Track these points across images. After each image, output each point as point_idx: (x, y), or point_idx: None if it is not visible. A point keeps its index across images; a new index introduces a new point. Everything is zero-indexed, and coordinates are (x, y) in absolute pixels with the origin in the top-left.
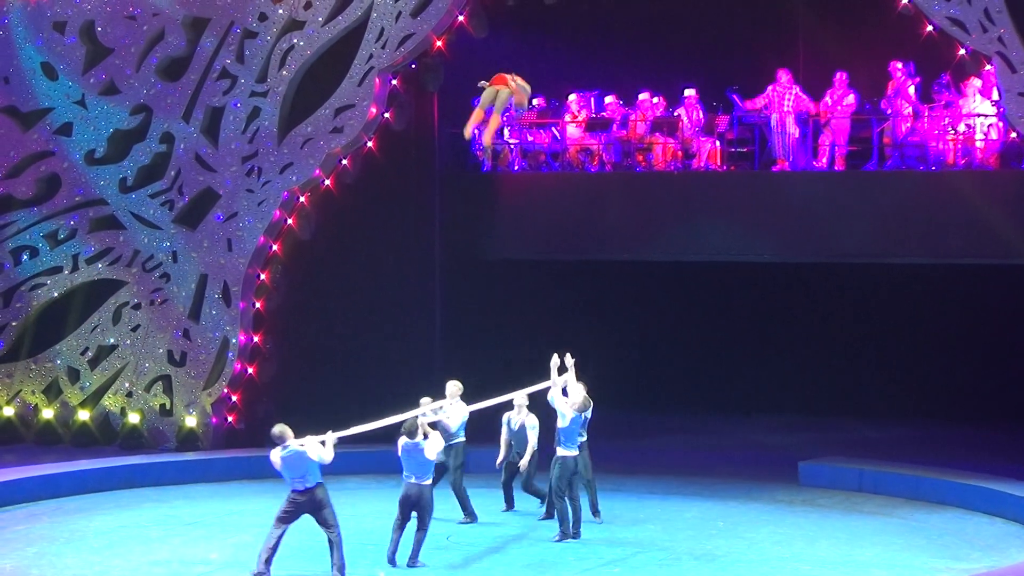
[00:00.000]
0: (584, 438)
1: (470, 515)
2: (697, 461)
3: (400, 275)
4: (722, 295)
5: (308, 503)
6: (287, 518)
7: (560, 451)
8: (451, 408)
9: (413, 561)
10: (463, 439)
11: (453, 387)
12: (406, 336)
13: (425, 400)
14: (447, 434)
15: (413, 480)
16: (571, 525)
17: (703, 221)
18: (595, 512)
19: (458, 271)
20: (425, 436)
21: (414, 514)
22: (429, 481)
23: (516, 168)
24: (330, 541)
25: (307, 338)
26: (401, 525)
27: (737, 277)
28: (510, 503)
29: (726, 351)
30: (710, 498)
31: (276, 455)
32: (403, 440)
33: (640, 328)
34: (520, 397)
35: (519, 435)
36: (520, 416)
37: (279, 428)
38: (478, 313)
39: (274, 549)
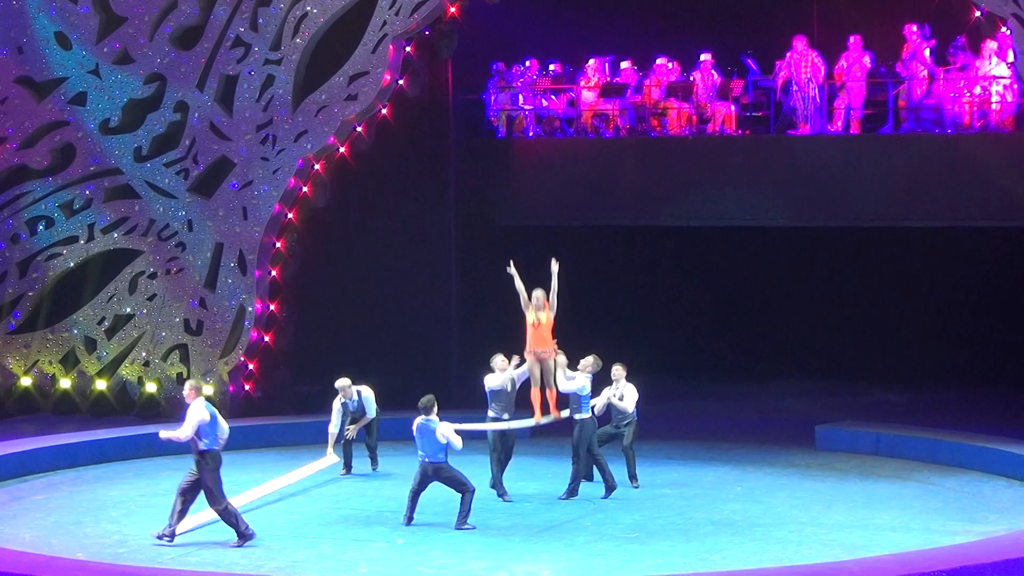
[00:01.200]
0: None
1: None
2: (714, 426)
3: (415, 242)
4: (737, 260)
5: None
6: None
7: (579, 416)
8: (624, 388)
9: (461, 522)
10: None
11: (618, 370)
12: (422, 303)
13: (501, 362)
14: (622, 415)
15: (427, 460)
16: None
17: (718, 186)
18: (633, 478)
19: (473, 237)
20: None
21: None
22: (442, 460)
23: (531, 134)
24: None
25: (323, 306)
26: (417, 491)
27: (752, 242)
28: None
29: (741, 316)
30: (727, 463)
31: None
32: (419, 419)
33: (655, 294)
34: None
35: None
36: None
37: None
38: (493, 279)
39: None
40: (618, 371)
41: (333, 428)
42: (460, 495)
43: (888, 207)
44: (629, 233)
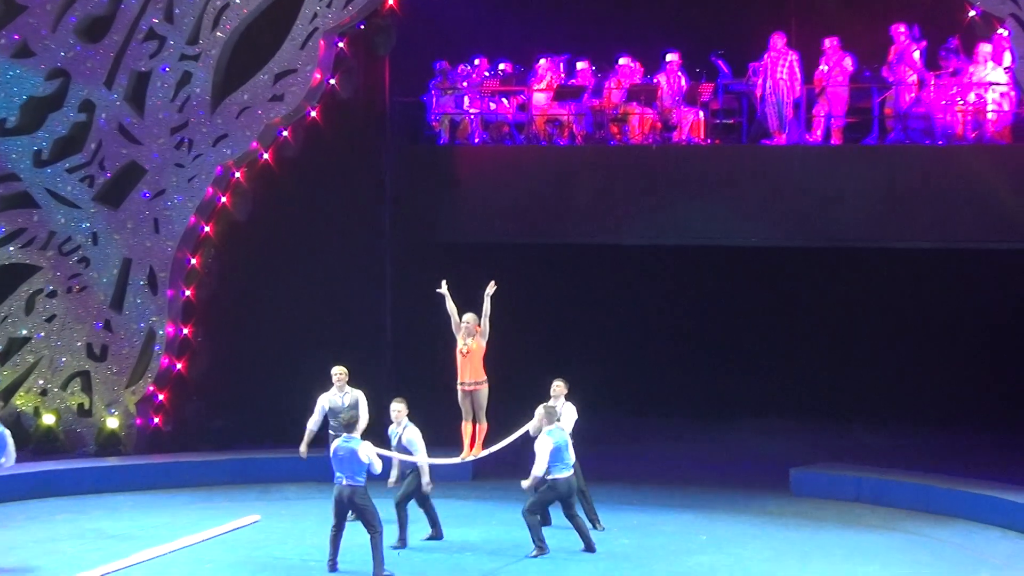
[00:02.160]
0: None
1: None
2: (677, 469)
3: (347, 260)
4: (705, 284)
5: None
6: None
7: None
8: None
9: (379, 571)
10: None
11: (559, 386)
12: (353, 328)
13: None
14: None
15: (345, 481)
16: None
17: (684, 201)
18: (594, 522)
19: (411, 255)
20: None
21: (353, 518)
22: (362, 481)
23: (477, 141)
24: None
25: (243, 330)
26: (337, 533)
27: (722, 264)
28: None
29: (709, 347)
30: (692, 509)
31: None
32: (338, 440)
33: (614, 321)
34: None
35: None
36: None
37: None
38: (433, 302)
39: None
40: (559, 387)
41: (312, 425)
42: (369, 537)
43: (872, 226)
44: (585, 252)
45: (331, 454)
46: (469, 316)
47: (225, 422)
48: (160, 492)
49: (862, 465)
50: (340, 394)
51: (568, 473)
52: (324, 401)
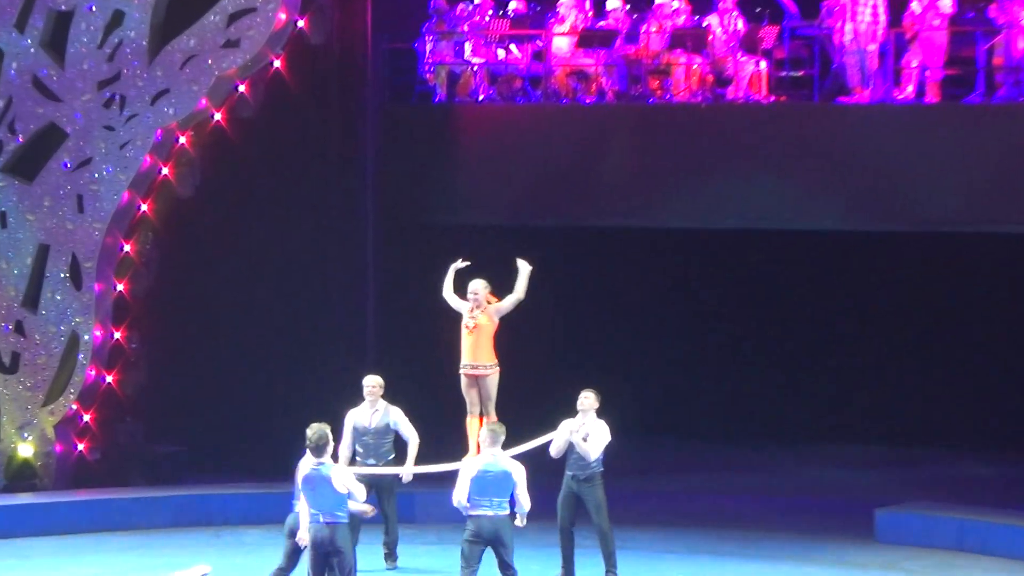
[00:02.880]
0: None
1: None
2: (731, 507)
3: (319, 247)
4: (766, 277)
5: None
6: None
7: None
8: (592, 426)
9: None
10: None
11: (588, 399)
12: (327, 328)
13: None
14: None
15: (321, 520)
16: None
17: (741, 173)
18: (610, 569)
19: (398, 241)
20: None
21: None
22: (344, 518)
23: (481, 98)
24: None
25: (191, 333)
26: None
27: (788, 252)
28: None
29: (771, 355)
30: (753, 559)
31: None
32: (305, 462)
33: (651, 322)
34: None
35: None
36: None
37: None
38: (425, 299)
39: None
40: (588, 400)
41: (345, 450)
42: None
43: (976, 205)
44: (615, 238)
45: (300, 483)
46: (477, 284)
47: (168, 449)
48: (86, 536)
49: (965, 505)
50: (371, 411)
51: (492, 512)
52: (351, 419)
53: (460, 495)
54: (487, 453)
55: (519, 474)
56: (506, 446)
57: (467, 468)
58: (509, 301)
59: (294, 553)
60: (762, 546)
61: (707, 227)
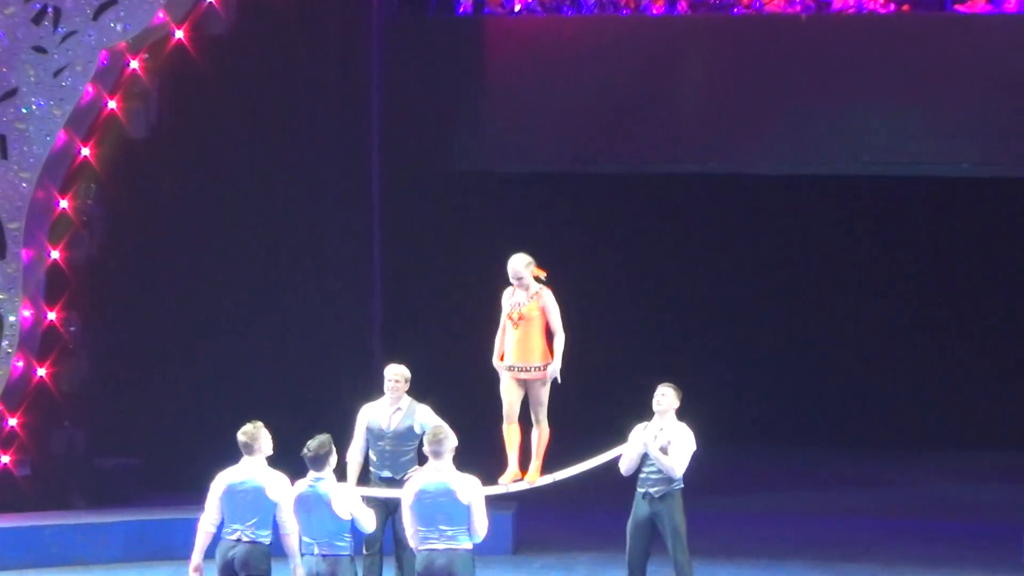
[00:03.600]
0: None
1: None
2: (847, 533)
3: (311, 202)
4: (885, 236)
5: None
6: None
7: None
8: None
9: None
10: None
11: (667, 396)
12: (322, 311)
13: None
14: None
15: (317, 551)
16: None
17: (851, 105)
18: None
19: (409, 190)
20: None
21: None
22: (347, 550)
23: (518, 8)
24: None
25: (146, 313)
26: None
27: (914, 204)
28: None
29: (902, 343)
30: None
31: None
32: (303, 482)
33: (741, 300)
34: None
35: None
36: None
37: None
38: (440, 258)
39: None
40: (667, 398)
41: (356, 455)
42: None
43: None
44: (688, 188)
45: (293, 505)
46: (518, 262)
47: (118, 462)
48: (10, 574)
49: None
50: (392, 409)
51: (444, 545)
52: (366, 417)
53: (406, 528)
54: (428, 468)
55: (469, 491)
56: (558, 465)
57: (407, 491)
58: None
59: None
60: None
61: (806, 173)
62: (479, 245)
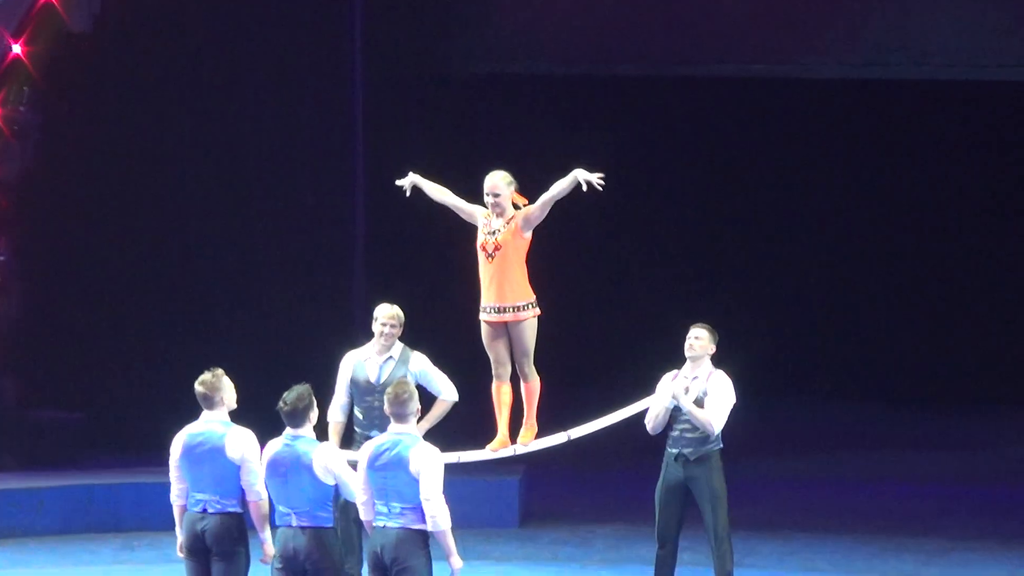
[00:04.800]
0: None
1: None
2: (908, 503)
3: (284, 105)
4: (962, 153)
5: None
6: None
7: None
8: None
9: None
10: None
11: (701, 340)
12: (297, 225)
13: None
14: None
15: (295, 522)
16: None
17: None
18: None
19: (399, 99)
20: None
21: None
22: (328, 519)
23: None
24: None
25: (89, 242)
26: None
27: (995, 114)
28: None
29: (977, 282)
30: (929, 565)
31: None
32: (279, 440)
33: (787, 228)
34: None
35: None
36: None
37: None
38: (431, 177)
39: None
40: (701, 341)
41: (338, 413)
42: None
43: None
44: (729, 93)
45: (265, 469)
46: (496, 177)
47: (56, 416)
48: None
49: None
50: (382, 357)
51: (383, 523)
52: (349, 365)
53: (357, 496)
54: (387, 432)
55: (424, 460)
56: (573, 422)
57: (362, 454)
58: (544, 201)
59: None
60: (952, 563)
61: (865, 77)
62: (478, 161)
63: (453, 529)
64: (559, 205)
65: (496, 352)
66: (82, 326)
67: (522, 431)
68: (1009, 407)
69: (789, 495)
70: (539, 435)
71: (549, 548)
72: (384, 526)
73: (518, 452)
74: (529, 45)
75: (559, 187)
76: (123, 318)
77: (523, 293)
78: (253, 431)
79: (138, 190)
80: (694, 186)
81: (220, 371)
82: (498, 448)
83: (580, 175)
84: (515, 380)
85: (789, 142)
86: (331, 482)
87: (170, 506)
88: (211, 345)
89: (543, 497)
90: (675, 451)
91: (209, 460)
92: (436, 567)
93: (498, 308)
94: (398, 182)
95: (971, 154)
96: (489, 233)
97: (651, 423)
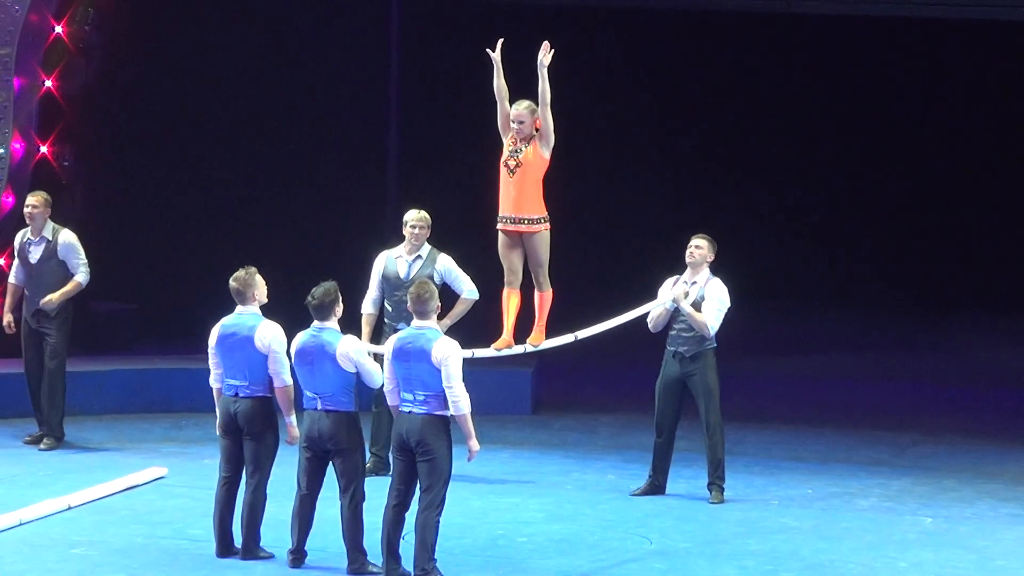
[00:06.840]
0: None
1: None
2: (884, 401)
3: (325, 30)
4: (940, 87)
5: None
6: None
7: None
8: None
9: (357, 567)
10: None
11: (701, 249)
12: (335, 141)
13: None
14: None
15: (320, 406)
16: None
17: None
18: (714, 482)
19: (432, 19)
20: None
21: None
22: (350, 404)
23: None
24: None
25: (146, 150)
26: (308, 503)
27: (981, 53)
28: None
29: (970, 198)
30: (907, 471)
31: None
32: (305, 333)
33: (769, 140)
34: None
35: None
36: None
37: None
38: (462, 100)
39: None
40: (701, 250)
41: (370, 306)
42: (342, 505)
43: None
44: (724, 25)
45: (293, 357)
46: (521, 106)
47: (112, 308)
48: (4, 422)
49: None
50: (411, 257)
51: (408, 409)
52: (382, 263)
53: (386, 384)
54: (411, 326)
55: (445, 351)
56: (581, 323)
57: (388, 346)
58: (546, 117)
59: (235, 453)
60: (921, 455)
61: (862, 14)
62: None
63: (472, 416)
64: (576, 128)
65: (510, 261)
66: (137, 227)
67: (532, 334)
68: (984, 314)
69: (777, 391)
70: (549, 336)
71: (559, 434)
72: (410, 412)
73: (527, 351)
74: None
75: (540, 89)
76: (173, 220)
77: (537, 208)
78: (289, 325)
79: (188, 104)
80: (696, 108)
81: (253, 269)
82: (502, 347)
83: (540, 57)
84: (527, 289)
85: (787, 74)
86: (352, 370)
87: (205, 388)
88: (255, 246)
89: (553, 388)
90: (673, 349)
91: (240, 349)
92: (455, 451)
93: (514, 219)
94: (488, 50)
95: (958, 87)
96: (513, 151)
97: (652, 323)
